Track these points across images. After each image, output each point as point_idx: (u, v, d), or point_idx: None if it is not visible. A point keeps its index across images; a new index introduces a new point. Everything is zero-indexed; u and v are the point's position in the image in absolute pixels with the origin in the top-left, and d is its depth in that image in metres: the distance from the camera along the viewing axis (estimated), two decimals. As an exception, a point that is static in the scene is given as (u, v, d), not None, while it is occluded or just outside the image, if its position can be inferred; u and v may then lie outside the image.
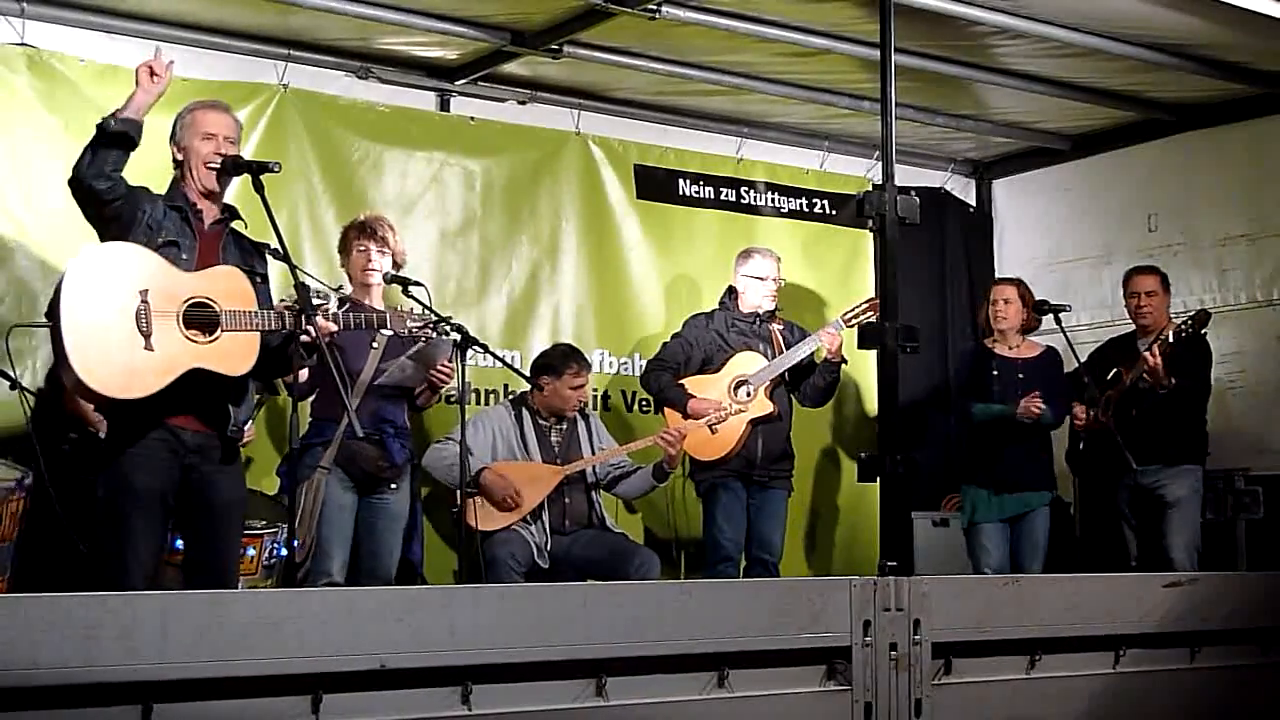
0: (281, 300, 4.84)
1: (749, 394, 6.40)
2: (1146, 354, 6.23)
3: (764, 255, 6.61)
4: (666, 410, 6.45)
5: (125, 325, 4.18)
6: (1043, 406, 6.35)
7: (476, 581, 5.43)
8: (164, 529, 4.44)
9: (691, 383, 6.43)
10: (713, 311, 6.63)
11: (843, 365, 6.54)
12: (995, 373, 6.53)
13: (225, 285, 4.37)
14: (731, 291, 6.63)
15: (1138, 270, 6.70)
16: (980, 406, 6.52)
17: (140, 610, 3.23)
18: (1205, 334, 6.34)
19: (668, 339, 6.64)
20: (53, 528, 4.78)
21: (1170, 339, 6.21)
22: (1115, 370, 6.50)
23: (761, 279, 6.54)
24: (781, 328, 6.61)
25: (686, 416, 6.30)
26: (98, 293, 4.17)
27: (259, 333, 4.36)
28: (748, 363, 6.46)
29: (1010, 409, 6.40)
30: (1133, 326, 6.63)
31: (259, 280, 4.55)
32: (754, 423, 6.37)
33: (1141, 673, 4.79)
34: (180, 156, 4.46)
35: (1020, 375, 6.51)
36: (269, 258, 4.59)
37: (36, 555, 4.89)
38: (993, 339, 6.66)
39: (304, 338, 4.41)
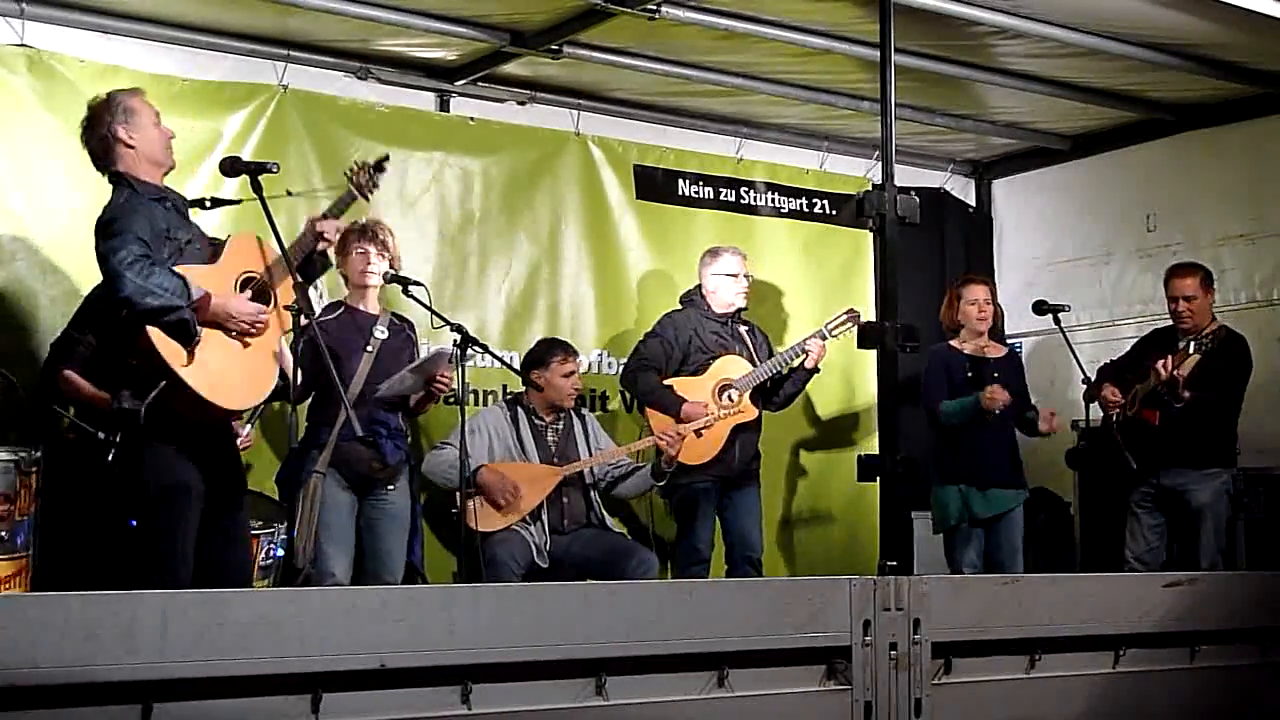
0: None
1: (732, 399, 6.38)
2: (1158, 367, 6.10)
3: (731, 253, 6.57)
4: (649, 411, 6.38)
5: (221, 340, 4.32)
6: (1005, 396, 6.26)
7: (476, 581, 5.43)
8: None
9: (677, 384, 6.39)
10: (685, 310, 6.56)
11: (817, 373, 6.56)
12: (970, 374, 6.45)
13: (246, 250, 4.52)
14: (699, 290, 6.58)
15: (1177, 271, 6.44)
16: (950, 403, 6.41)
17: (140, 610, 3.23)
18: (1244, 339, 6.25)
19: (642, 338, 6.56)
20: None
21: (1191, 351, 6.03)
22: (1147, 365, 6.34)
23: (733, 276, 6.51)
24: (747, 329, 6.60)
25: (679, 420, 6.23)
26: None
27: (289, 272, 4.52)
28: (730, 367, 6.43)
29: (977, 397, 6.29)
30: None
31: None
32: (735, 428, 6.35)
33: (1141, 673, 4.78)
34: (133, 144, 4.42)
35: (995, 374, 6.45)
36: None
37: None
38: (960, 340, 6.59)
39: (321, 244, 4.62)
